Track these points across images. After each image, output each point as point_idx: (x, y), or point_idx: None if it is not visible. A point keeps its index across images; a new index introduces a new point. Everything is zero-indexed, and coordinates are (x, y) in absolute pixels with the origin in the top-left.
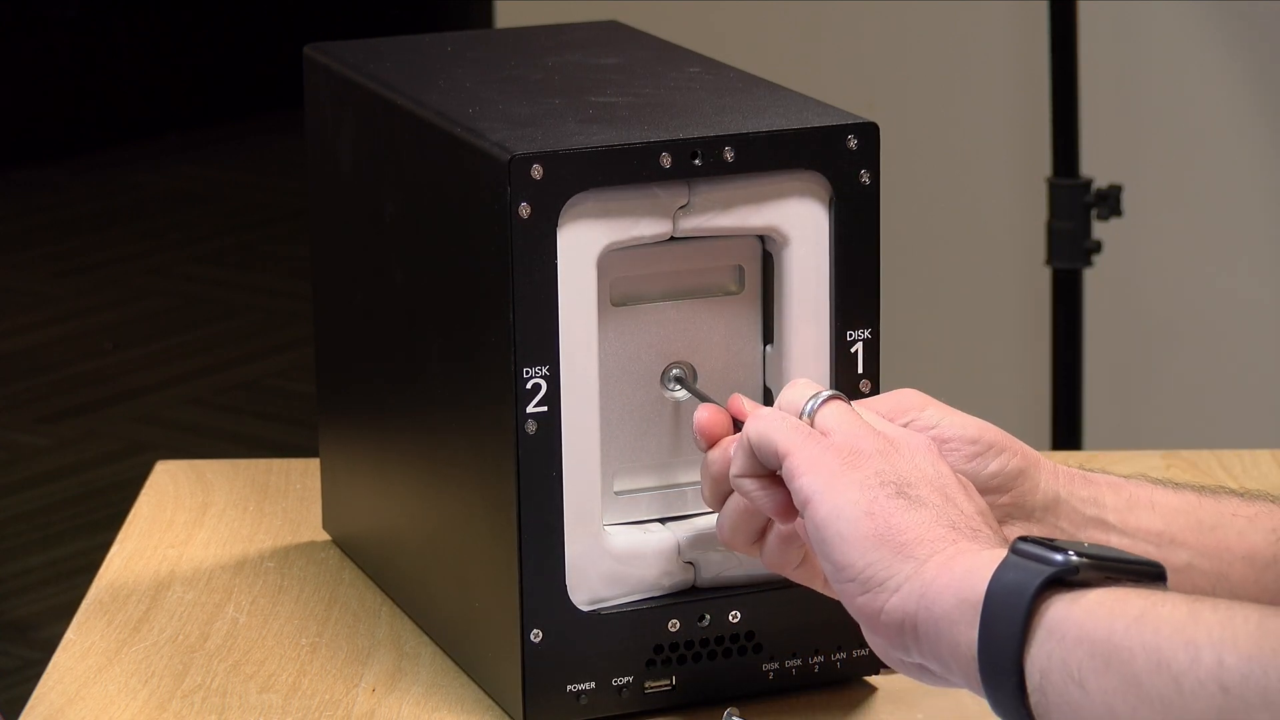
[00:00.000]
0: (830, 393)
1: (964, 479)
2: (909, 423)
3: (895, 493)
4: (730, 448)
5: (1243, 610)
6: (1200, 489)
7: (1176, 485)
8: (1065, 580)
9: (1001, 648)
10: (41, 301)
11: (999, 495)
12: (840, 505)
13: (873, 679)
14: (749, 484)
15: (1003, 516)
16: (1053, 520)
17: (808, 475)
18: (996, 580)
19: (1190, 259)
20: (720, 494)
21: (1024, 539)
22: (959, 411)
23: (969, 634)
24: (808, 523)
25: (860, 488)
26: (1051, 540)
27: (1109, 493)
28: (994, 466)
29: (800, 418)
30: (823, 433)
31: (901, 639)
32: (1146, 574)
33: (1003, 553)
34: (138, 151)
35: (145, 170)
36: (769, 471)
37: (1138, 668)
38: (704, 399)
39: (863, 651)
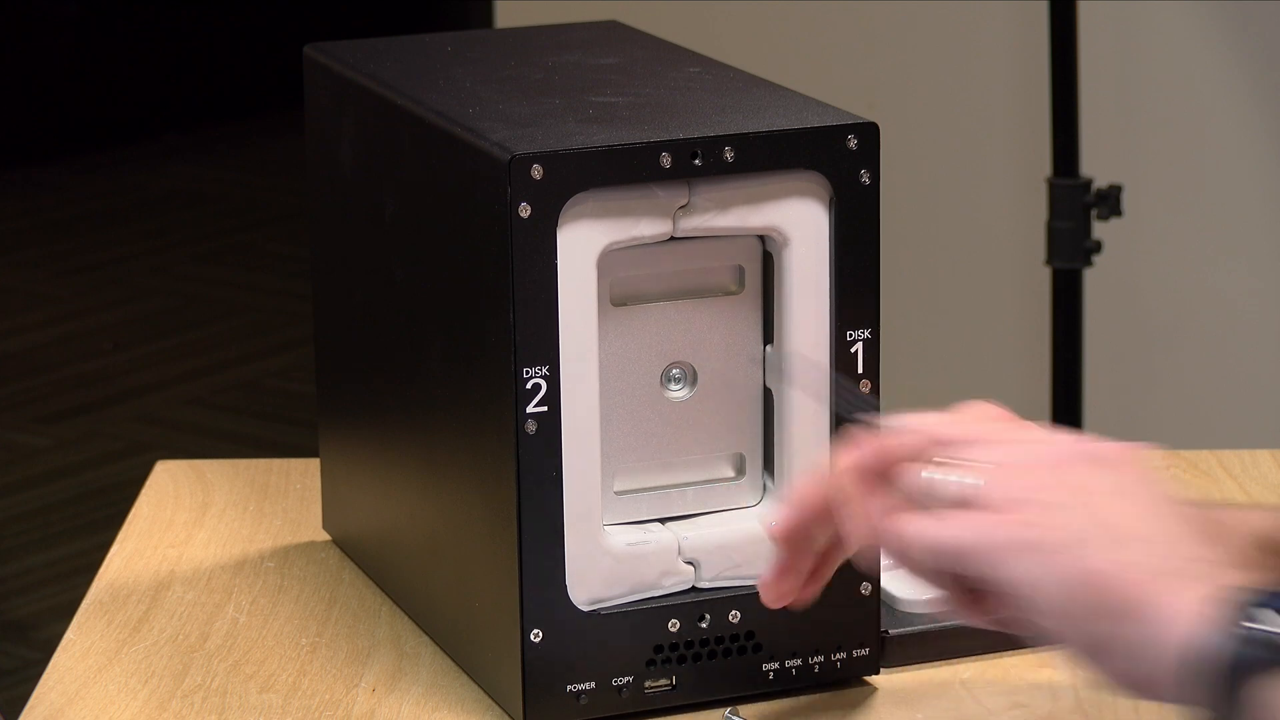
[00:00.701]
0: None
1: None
2: None
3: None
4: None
5: None
6: None
7: None
8: None
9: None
10: (41, 301)
11: None
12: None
13: (873, 679)
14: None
15: None
16: None
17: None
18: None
19: (1190, 259)
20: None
21: (1244, 622)
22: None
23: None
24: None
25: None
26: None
27: None
28: None
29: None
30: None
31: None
32: None
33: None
34: (138, 151)
35: (145, 170)
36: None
37: None
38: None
39: (863, 651)
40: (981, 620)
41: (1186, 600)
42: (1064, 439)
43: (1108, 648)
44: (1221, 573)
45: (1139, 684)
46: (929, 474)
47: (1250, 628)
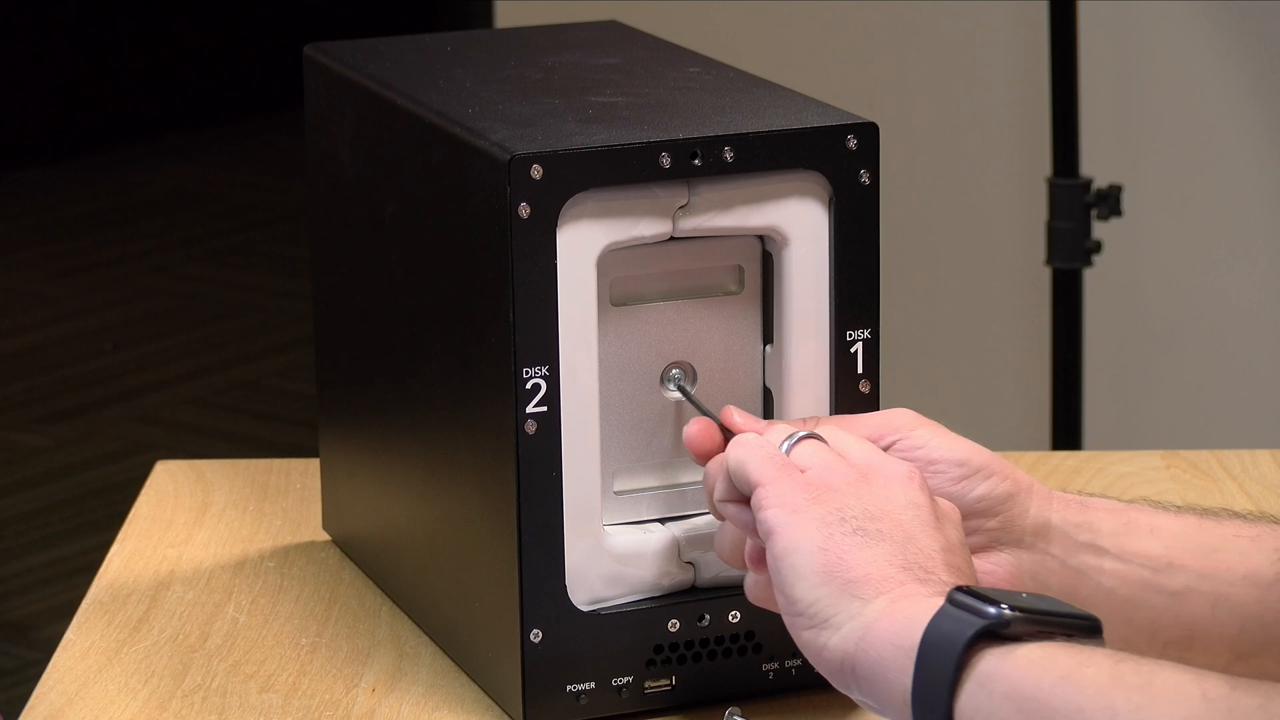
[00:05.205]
0: (805, 434)
1: (947, 507)
2: (896, 442)
3: (854, 529)
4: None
5: (1162, 673)
6: (1202, 511)
7: (1178, 509)
8: (998, 633)
9: (933, 696)
10: (41, 301)
11: (986, 519)
12: (797, 540)
13: None
14: (731, 508)
15: (990, 541)
16: (1043, 546)
17: (773, 509)
18: (932, 628)
19: (1190, 259)
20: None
21: (961, 589)
22: (950, 433)
23: (903, 681)
24: (768, 555)
25: (819, 523)
26: (987, 592)
27: (1106, 517)
28: (980, 490)
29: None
30: (800, 468)
31: (842, 677)
32: (1081, 628)
33: (941, 601)
34: (138, 151)
35: (145, 170)
36: (748, 497)
37: None
38: (700, 409)
39: None
40: (763, 593)
41: (912, 595)
42: (897, 465)
43: (823, 616)
44: (950, 581)
45: (839, 661)
46: (772, 431)
47: (959, 600)
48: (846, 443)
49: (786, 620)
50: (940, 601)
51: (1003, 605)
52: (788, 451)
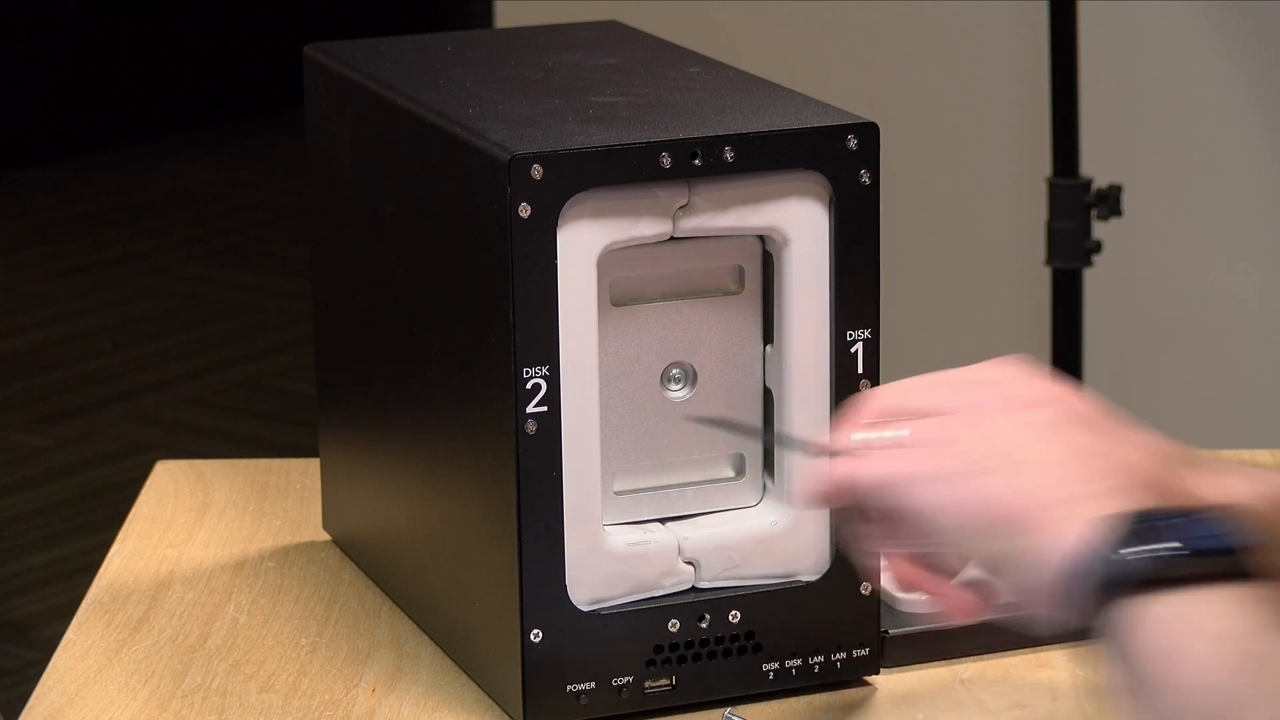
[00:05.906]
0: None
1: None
2: None
3: (989, 468)
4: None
5: None
6: None
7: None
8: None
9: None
10: (41, 301)
11: None
12: (944, 502)
13: (873, 679)
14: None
15: None
16: None
17: (914, 493)
18: (1090, 565)
19: (1190, 259)
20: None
21: (1134, 517)
22: None
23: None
24: (930, 535)
25: (956, 478)
26: (1150, 523)
27: None
28: None
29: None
30: (907, 445)
31: (1065, 608)
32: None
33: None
34: (138, 151)
35: (145, 170)
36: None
37: None
38: (787, 445)
39: (863, 651)
40: (908, 566)
41: (1068, 524)
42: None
43: (1004, 563)
44: (1106, 501)
45: (1031, 597)
46: (859, 434)
47: (1118, 552)
48: (918, 395)
49: (989, 581)
50: (1105, 528)
51: (1162, 543)
52: (889, 441)
